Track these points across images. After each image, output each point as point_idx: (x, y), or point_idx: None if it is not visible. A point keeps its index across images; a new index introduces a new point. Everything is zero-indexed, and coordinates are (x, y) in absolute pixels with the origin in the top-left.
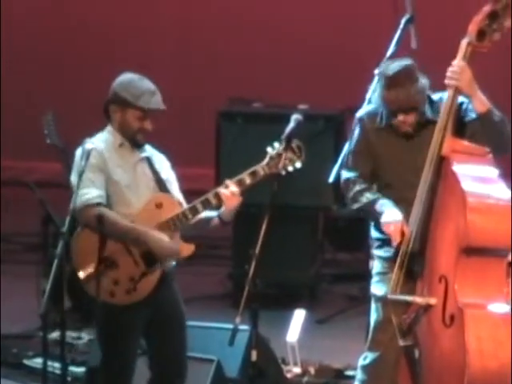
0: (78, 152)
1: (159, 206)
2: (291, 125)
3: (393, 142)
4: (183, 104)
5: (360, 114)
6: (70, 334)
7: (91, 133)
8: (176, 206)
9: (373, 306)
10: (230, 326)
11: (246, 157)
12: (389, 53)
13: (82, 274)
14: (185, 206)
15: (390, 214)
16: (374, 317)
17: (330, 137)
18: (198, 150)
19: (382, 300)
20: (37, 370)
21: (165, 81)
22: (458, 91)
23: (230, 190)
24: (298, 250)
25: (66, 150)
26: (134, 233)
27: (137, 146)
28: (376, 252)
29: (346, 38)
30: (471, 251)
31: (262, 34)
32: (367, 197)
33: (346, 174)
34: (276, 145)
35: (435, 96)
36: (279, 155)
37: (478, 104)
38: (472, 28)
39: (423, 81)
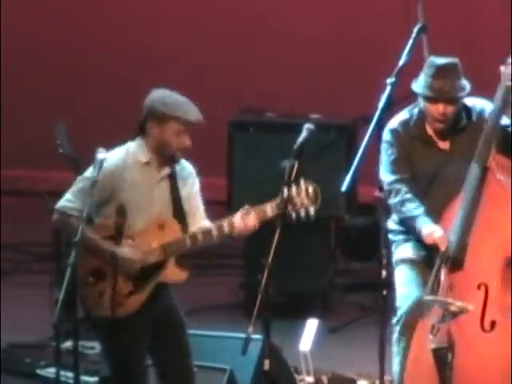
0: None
1: (161, 227)
2: (303, 134)
3: (427, 152)
4: None
5: (392, 125)
6: (83, 344)
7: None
8: (177, 231)
9: (396, 268)
10: (243, 336)
11: (258, 166)
12: (401, 62)
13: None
14: (202, 220)
15: (430, 227)
16: (399, 277)
17: (342, 146)
18: (209, 160)
19: (409, 261)
20: (50, 380)
21: (176, 90)
22: (509, 92)
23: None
24: (310, 259)
25: (78, 159)
26: (93, 244)
27: (173, 162)
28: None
29: (358, 47)
30: None
31: (274, 44)
32: (409, 209)
33: (388, 178)
34: (292, 185)
35: (469, 102)
36: (291, 198)
37: None
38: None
39: (466, 83)
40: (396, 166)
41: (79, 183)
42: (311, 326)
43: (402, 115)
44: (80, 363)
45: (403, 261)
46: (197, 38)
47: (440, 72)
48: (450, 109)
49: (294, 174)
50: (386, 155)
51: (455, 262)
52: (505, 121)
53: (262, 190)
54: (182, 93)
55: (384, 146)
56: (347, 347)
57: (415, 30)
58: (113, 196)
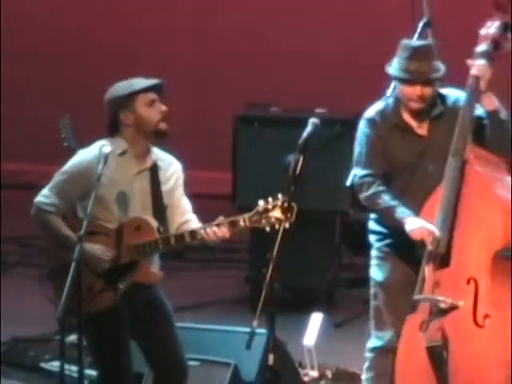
0: (76, 157)
1: (137, 228)
2: (308, 129)
3: (405, 140)
4: (200, 108)
5: (369, 114)
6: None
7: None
8: (153, 233)
9: (372, 290)
10: (247, 330)
11: (263, 161)
12: None
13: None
14: (186, 214)
15: (413, 221)
16: (374, 302)
17: (347, 141)
18: (215, 154)
19: (381, 285)
20: (54, 374)
21: (182, 85)
22: (478, 83)
23: (214, 233)
24: (315, 254)
25: None
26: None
27: (160, 137)
28: (375, 244)
29: (363, 42)
30: (505, 253)
31: (279, 39)
32: (385, 200)
33: (360, 172)
34: (269, 200)
35: (443, 91)
36: (266, 211)
37: (488, 102)
38: (486, 37)
39: (442, 65)
40: (369, 160)
41: (56, 178)
42: (316, 320)
43: (378, 105)
44: (84, 357)
45: (380, 284)
46: (203, 33)
47: (415, 54)
48: (427, 90)
49: (298, 168)
50: (359, 147)
51: (441, 260)
52: (479, 112)
53: (266, 184)
54: (187, 88)
55: (359, 138)
56: (352, 342)
57: (420, 24)
58: (91, 189)
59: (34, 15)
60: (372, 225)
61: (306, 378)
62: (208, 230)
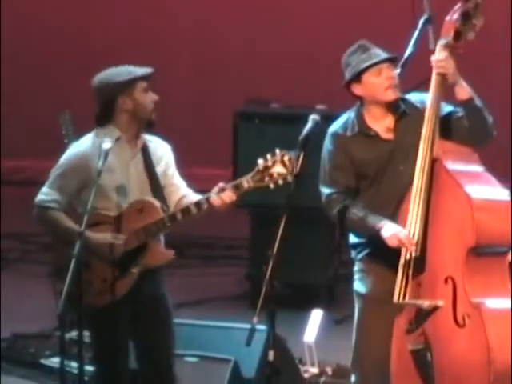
0: (69, 151)
1: (140, 210)
2: (309, 125)
3: (371, 146)
4: (200, 104)
5: (332, 128)
6: (87, 334)
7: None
8: (157, 213)
9: (355, 304)
10: (247, 326)
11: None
12: (407, 53)
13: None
14: (182, 190)
15: (389, 227)
16: (357, 314)
17: None
18: (215, 151)
19: (364, 297)
20: (54, 370)
21: (182, 81)
22: (445, 79)
23: (220, 198)
24: (315, 250)
25: None
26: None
27: (149, 127)
28: (356, 256)
29: (364, 37)
30: (478, 249)
31: (279, 35)
32: (354, 213)
33: (325, 191)
34: (268, 157)
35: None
36: (266, 168)
37: (461, 91)
38: (448, 29)
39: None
40: (333, 177)
41: (53, 174)
42: (316, 317)
43: (341, 119)
44: (84, 353)
45: (363, 296)
46: (203, 29)
47: (366, 45)
48: (394, 73)
49: (299, 164)
50: (323, 165)
51: (419, 261)
52: (447, 108)
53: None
54: (188, 83)
55: (323, 155)
56: (351, 338)
57: (421, 21)
58: (88, 181)
59: (34, 14)
60: (350, 238)
61: (306, 375)
62: (214, 197)
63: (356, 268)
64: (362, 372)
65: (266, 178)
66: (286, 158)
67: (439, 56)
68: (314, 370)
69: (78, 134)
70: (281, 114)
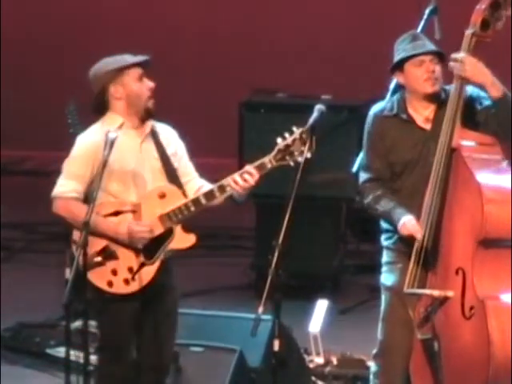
0: (79, 141)
1: (162, 196)
2: (314, 115)
3: (407, 131)
4: (206, 95)
5: (373, 110)
6: (93, 323)
7: None
8: (179, 198)
9: (382, 296)
10: (253, 316)
11: (269, 147)
12: None
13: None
14: (196, 179)
15: (405, 219)
16: (383, 306)
17: (354, 127)
18: (220, 140)
19: (390, 290)
20: (59, 359)
21: (188, 71)
22: (464, 81)
23: (243, 179)
24: (321, 240)
25: None
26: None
27: (149, 115)
28: (384, 243)
29: (370, 28)
30: (488, 243)
31: (286, 25)
32: (382, 205)
33: (362, 176)
34: (286, 135)
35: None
36: (287, 146)
37: (492, 90)
38: (476, 18)
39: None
40: (370, 162)
41: (66, 166)
42: (321, 307)
43: (382, 103)
44: (89, 343)
45: (389, 289)
46: (209, 19)
47: (417, 36)
48: (438, 68)
49: (304, 154)
50: (364, 148)
51: (431, 253)
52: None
53: (272, 170)
54: (194, 73)
55: (364, 137)
56: (357, 328)
57: (427, 11)
58: (104, 170)
59: (35, 0)
60: (382, 223)
61: (311, 365)
62: (237, 178)
63: (384, 259)
64: (385, 362)
65: (287, 157)
66: (304, 135)
67: (457, 57)
68: (319, 360)
69: (84, 124)
70: (286, 104)
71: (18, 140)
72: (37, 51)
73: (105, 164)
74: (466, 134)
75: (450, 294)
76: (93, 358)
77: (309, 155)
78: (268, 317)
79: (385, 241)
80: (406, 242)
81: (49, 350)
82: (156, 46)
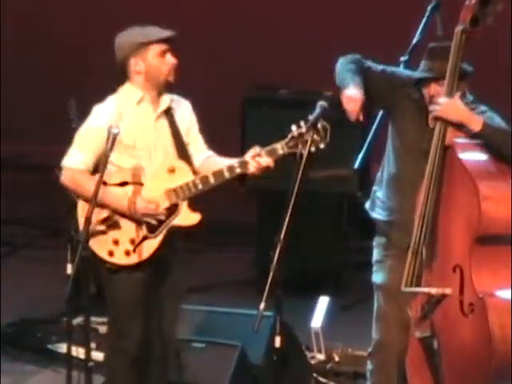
0: (94, 112)
1: (171, 171)
2: (316, 111)
3: (417, 124)
4: (209, 90)
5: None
6: (94, 319)
7: None
8: (188, 174)
9: (375, 294)
10: (255, 313)
11: (271, 143)
12: (415, 40)
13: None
14: (204, 152)
15: (352, 89)
16: (376, 305)
17: (356, 124)
18: (223, 136)
19: (381, 288)
20: (61, 355)
21: (191, 66)
22: (447, 122)
23: (256, 162)
24: (322, 237)
25: None
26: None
27: (166, 89)
28: (374, 241)
29: (373, 24)
30: (485, 240)
31: (288, 20)
32: (348, 68)
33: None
34: (301, 124)
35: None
36: (301, 135)
37: (471, 125)
38: (465, 15)
39: (468, 67)
40: (376, 65)
41: (78, 136)
42: (323, 303)
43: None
44: (91, 339)
45: (379, 286)
46: (211, 14)
47: (439, 52)
48: (441, 90)
49: (307, 150)
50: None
51: (428, 250)
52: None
53: (275, 166)
54: (196, 68)
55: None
56: (359, 325)
57: (429, 8)
58: (115, 142)
59: None
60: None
61: (312, 361)
62: (250, 162)
63: (373, 258)
64: (380, 361)
65: (300, 145)
66: (319, 126)
67: (440, 101)
68: (321, 357)
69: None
70: (289, 100)
71: (19, 135)
72: (38, 45)
73: (107, 158)
74: (458, 132)
75: (447, 291)
76: (94, 354)
77: (322, 146)
78: (270, 313)
79: (374, 238)
80: (396, 238)
81: (50, 346)
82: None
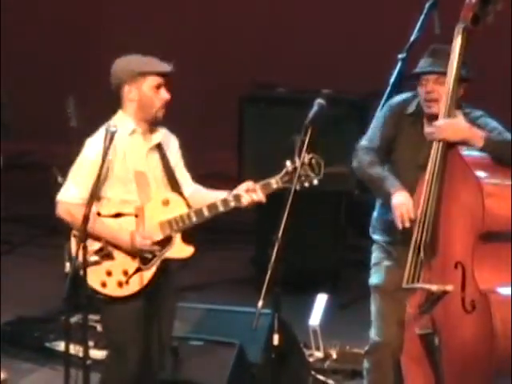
0: (88, 146)
1: (165, 203)
2: (314, 109)
3: (416, 139)
4: (206, 89)
5: (393, 101)
6: (92, 318)
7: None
8: (183, 206)
9: (371, 296)
10: (253, 310)
11: (269, 141)
12: (412, 37)
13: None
14: (190, 186)
15: (400, 195)
16: (372, 305)
17: (354, 121)
18: (220, 134)
19: (377, 289)
20: (59, 353)
21: (188, 66)
22: (446, 142)
23: (250, 197)
24: (320, 235)
25: (90, 133)
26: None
27: (156, 123)
28: (375, 236)
29: (370, 22)
30: (488, 236)
31: (286, 19)
32: (377, 171)
33: (363, 143)
34: (296, 159)
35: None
36: (295, 170)
37: (474, 142)
38: (466, 13)
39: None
40: (376, 136)
41: (73, 171)
42: (321, 301)
43: (404, 96)
44: (89, 337)
45: (376, 287)
46: (209, 12)
47: (434, 51)
48: (438, 89)
49: (304, 148)
50: (372, 124)
51: (429, 247)
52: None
53: (272, 164)
54: (194, 67)
55: (376, 117)
56: (356, 323)
57: (427, 6)
58: (109, 172)
59: None
60: (373, 219)
61: (310, 359)
62: (243, 196)
63: (372, 261)
64: (377, 359)
65: (294, 180)
66: (313, 161)
67: (437, 123)
68: (319, 354)
69: (83, 118)
70: (286, 98)
71: (18, 133)
72: (37, 45)
73: (104, 159)
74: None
75: (449, 288)
76: (92, 352)
77: (316, 182)
78: (268, 311)
79: (375, 234)
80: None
81: (48, 344)
82: (158, 41)
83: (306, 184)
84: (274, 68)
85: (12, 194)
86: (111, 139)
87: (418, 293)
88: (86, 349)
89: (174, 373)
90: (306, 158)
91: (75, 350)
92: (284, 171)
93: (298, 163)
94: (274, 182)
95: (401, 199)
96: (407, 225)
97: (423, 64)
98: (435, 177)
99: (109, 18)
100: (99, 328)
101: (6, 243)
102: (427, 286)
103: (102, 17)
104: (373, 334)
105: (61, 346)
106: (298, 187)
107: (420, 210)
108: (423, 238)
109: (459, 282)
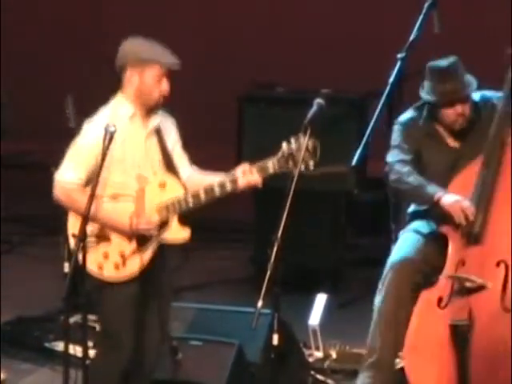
0: (87, 129)
1: (162, 186)
2: (313, 109)
3: (438, 150)
4: (205, 88)
5: (403, 119)
6: (92, 318)
7: None
8: (179, 189)
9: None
10: (252, 310)
11: (268, 140)
12: (412, 37)
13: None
14: (188, 167)
15: (451, 195)
16: (403, 239)
17: (353, 121)
18: (219, 134)
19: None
20: (58, 353)
21: (187, 65)
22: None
23: (246, 180)
24: (320, 234)
25: None
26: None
27: (153, 110)
28: (413, 225)
29: (370, 22)
30: None
31: (285, 18)
32: (417, 178)
33: (393, 155)
34: (292, 141)
35: (475, 96)
36: (291, 154)
37: None
38: None
39: (471, 77)
40: (404, 151)
41: (72, 151)
42: (320, 300)
43: (410, 113)
44: (88, 337)
45: (410, 229)
46: (209, 12)
47: (447, 75)
48: (467, 107)
49: (303, 148)
50: (394, 138)
51: (475, 238)
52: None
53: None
54: (194, 66)
55: (394, 135)
56: (356, 322)
57: (426, 5)
58: (109, 158)
59: None
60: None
61: (310, 359)
62: (239, 177)
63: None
64: (376, 358)
65: (290, 163)
66: (310, 145)
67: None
68: (319, 354)
69: (82, 117)
70: (286, 98)
71: (18, 133)
72: (37, 45)
73: (104, 157)
74: None
75: (489, 284)
76: (91, 352)
77: (312, 164)
78: (267, 311)
79: (413, 224)
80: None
81: (48, 344)
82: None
83: (302, 167)
84: (273, 68)
85: (12, 194)
86: (110, 139)
87: (446, 282)
88: (86, 349)
89: (173, 373)
90: (303, 142)
91: (75, 350)
92: (280, 154)
93: (294, 147)
94: (271, 165)
95: (453, 197)
96: (472, 218)
97: (443, 89)
98: (490, 171)
99: (109, 17)
100: (98, 328)
101: (5, 243)
102: (472, 278)
103: (102, 17)
104: (372, 339)
105: (60, 346)
106: (294, 171)
107: (470, 198)
108: (472, 229)
109: (500, 280)
